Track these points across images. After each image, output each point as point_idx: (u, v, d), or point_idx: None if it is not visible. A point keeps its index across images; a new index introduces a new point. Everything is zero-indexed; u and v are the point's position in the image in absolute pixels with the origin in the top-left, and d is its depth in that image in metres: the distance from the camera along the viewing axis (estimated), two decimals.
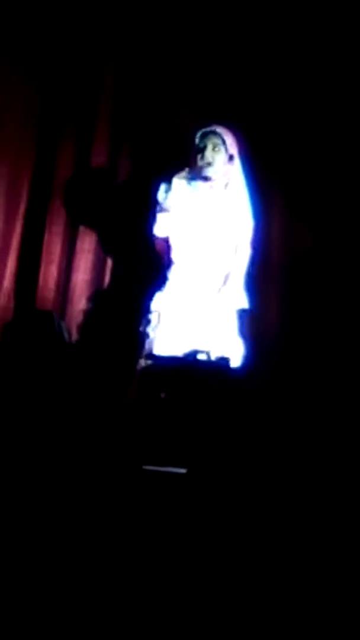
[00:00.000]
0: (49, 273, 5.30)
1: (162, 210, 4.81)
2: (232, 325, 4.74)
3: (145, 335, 4.71)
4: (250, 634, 2.98)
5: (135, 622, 2.98)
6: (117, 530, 3.29)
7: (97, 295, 5.27)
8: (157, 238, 4.86)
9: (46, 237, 5.33)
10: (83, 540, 3.24)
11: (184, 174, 4.84)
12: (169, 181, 4.83)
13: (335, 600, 3.09)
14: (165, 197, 4.81)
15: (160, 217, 4.82)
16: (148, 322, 4.72)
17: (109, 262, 5.31)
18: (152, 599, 3.04)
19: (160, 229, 4.83)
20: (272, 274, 5.02)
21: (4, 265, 5.28)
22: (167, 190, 4.81)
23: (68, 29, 5.37)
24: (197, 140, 4.76)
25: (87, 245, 5.33)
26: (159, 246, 4.87)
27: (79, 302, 5.26)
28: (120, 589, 3.08)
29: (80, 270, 5.30)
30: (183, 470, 3.74)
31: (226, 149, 4.77)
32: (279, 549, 3.24)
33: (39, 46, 5.33)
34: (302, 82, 5.15)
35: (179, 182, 4.82)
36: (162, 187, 4.83)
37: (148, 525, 3.31)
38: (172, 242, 4.81)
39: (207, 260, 4.76)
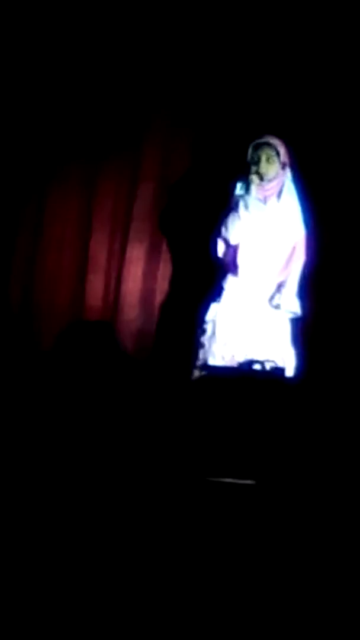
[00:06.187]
0: (98, 282, 5.34)
1: (231, 219, 4.80)
2: (286, 334, 4.75)
3: (199, 346, 4.74)
4: None
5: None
6: (181, 542, 3.30)
7: (149, 305, 5.29)
8: (214, 247, 4.87)
9: (92, 245, 5.36)
10: (146, 551, 3.26)
11: (240, 184, 4.85)
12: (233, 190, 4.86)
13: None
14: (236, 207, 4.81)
15: (227, 225, 4.81)
16: (202, 332, 4.74)
17: (161, 271, 5.32)
18: (213, 611, 3.05)
19: (223, 237, 4.83)
20: (325, 281, 5.00)
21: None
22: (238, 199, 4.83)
23: None
24: (250, 152, 4.78)
25: (136, 254, 5.34)
26: (214, 255, 4.88)
27: (130, 311, 5.28)
28: (181, 600, 3.09)
29: (130, 280, 5.32)
30: (237, 481, 3.73)
31: (279, 159, 4.78)
32: (346, 560, 3.23)
33: None
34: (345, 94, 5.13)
35: (238, 193, 4.84)
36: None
37: (212, 537, 3.31)
38: (233, 250, 4.80)
39: (261, 269, 4.77)
